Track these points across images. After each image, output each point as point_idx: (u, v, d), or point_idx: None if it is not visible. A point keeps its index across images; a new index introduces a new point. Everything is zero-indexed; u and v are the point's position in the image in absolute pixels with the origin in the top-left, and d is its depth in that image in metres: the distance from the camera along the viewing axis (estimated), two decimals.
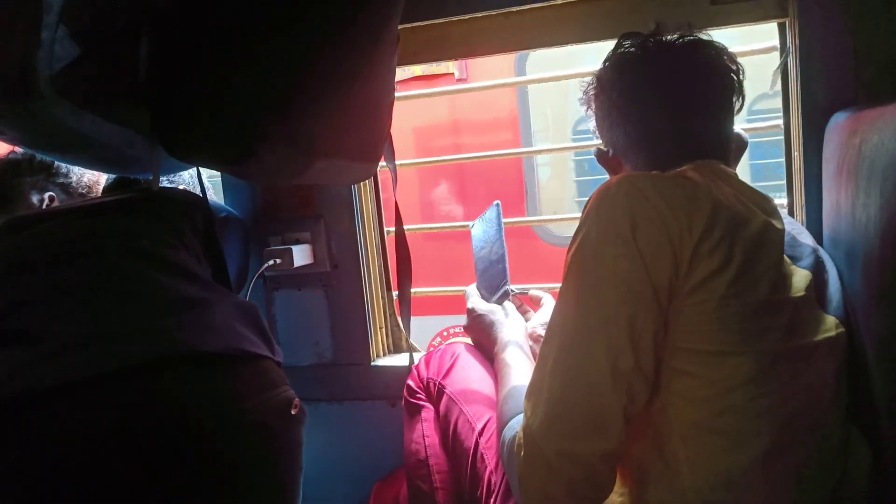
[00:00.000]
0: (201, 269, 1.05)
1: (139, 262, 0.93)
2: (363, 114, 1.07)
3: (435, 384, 1.18)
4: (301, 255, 1.44)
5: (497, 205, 1.34)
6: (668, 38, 0.93)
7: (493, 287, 1.27)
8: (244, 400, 0.88)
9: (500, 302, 1.26)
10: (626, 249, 0.76)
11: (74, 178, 1.35)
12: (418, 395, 1.21)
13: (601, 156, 1.00)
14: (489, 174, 2.93)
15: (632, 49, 0.94)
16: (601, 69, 0.99)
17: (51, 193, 1.35)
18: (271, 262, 1.39)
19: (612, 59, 0.97)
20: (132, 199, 1.08)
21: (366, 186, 1.49)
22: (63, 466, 0.74)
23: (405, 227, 1.37)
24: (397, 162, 1.36)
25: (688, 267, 0.75)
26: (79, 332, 0.82)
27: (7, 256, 0.95)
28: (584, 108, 1.05)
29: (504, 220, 1.33)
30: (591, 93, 1.01)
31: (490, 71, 2.73)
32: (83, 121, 0.96)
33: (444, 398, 1.14)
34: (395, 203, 1.36)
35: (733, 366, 0.74)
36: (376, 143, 1.15)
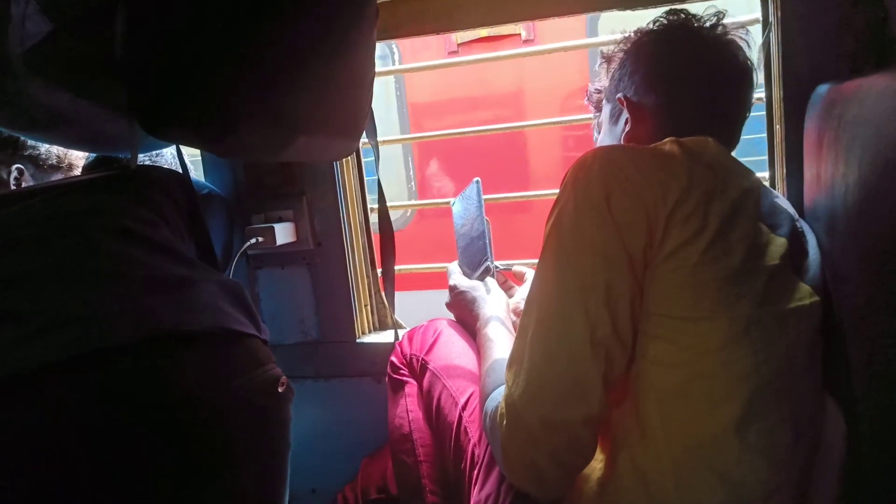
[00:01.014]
0: (185, 246, 1.05)
1: (122, 241, 0.93)
2: (344, 89, 1.06)
3: (418, 360, 1.19)
4: (284, 234, 1.43)
5: (477, 182, 1.34)
6: (715, 29, 0.97)
7: (475, 263, 1.28)
8: (231, 378, 0.89)
9: (481, 278, 1.26)
10: (602, 219, 0.77)
11: (43, 150, 1.33)
12: (402, 371, 1.21)
13: (628, 103, 0.99)
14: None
15: (684, 28, 0.98)
16: (646, 34, 1.01)
17: (18, 166, 1.34)
18: (254, 241, 1.38)
19: (662, 30, 1.00)
20: (113, 176, 1.07)
21: (349, 163, 1.48)
22: (50, 448, 0.74)
23: (388, 204, 1.38)
24: (380, 139, 1.36)
25: (662, 235, 0.76)
26: (63, 312, 0.81)
27: None
28: (605, 63, 1.10)
29: (486, 197, 1.33)
30: (629, 51, 1.03)
31: (563, 31, 2.65)
32: (58, 99, 0.95)
33: (428, 374, 1.15)
34: (379, 180, 1.36)
35: (706, 331, 0.76)
36: (357, 118, 1.14)
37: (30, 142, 1.33)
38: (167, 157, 1.34)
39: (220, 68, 0.90)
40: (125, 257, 0.91)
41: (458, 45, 2.83)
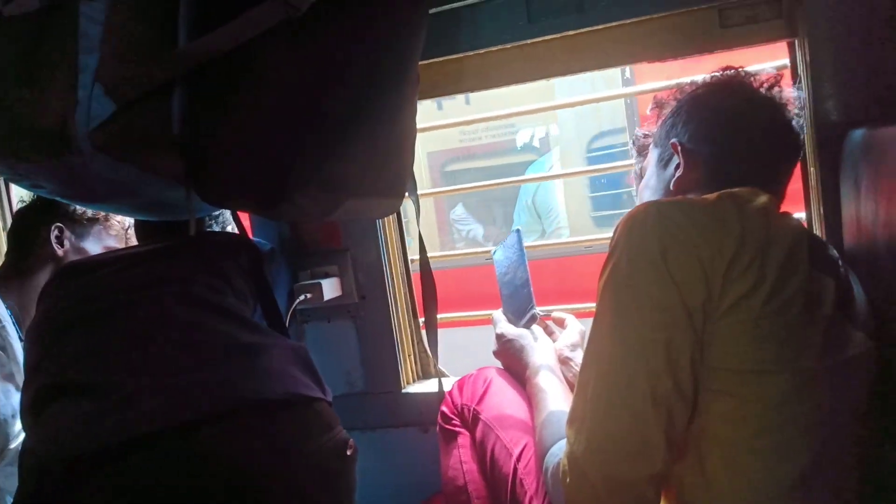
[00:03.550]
0: (250, 311, 1.06)
1: (194, 310, 0.95)
2: (391, 153, 1.08)
3: (469, 410, 1.18)
4: (330, 289, 1.45)
5: (517, 231, 1.35)
6: (772, 89, 1.01)
7: (520, 311, 1.28)
8: (305, 444, 0.89)
9: (527, 326, 1.26)
10: (659, 276, 0.77)
11: (77, 205, 1.36)
12: (454, 422, 1.21)
13: (682, 148, 1.00)
14: None
15: (743, 84, 1.02)
16: (704, 85, 1.05)
17: (58, 224, 1.36)
18: (302, 298, 1.40)
19: (721, 84, 1.04)
20: (178, 244, 1.09)
21: (390, 218, 1.51)
22: None
23: (429, 255, 1.38)
24: (420, 192, 1.37)
25: (721, 289, 0.76)
26: (143, 384, 0.82)
27: (67, 305, 0.96)
28: (656, 109, 1.12)
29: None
30: (684, 100, 1.05)
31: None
32: (120, 172, 0.97)
33: (480, 424, 1.14)
34: (420, 232, 1.37)
35: (770, 385, 0.75)
36: (402, 179, 1.16)
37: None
38: (226, 214, 1.37)
39: (276, 139, 0.92)
40: (198, 326, 0.92)
41: None
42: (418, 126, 1.21)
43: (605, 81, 3.35)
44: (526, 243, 1.36)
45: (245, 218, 1.59)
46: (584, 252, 3.14)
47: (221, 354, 0.90)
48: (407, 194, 1.29)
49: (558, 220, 4.18)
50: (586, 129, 3.97)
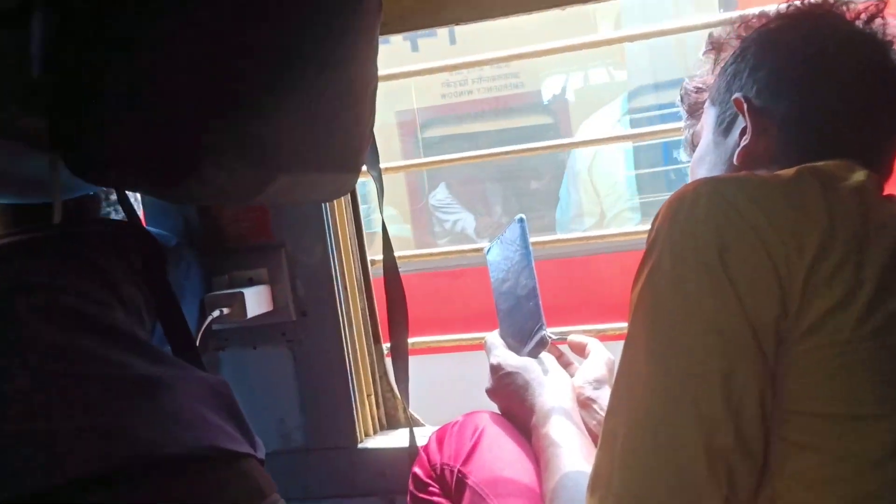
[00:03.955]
0: (146, 331, 1.05)
1: (65, 328, 0.93)
2: (339, 109, 1.08)
3: (452, 472, 1.18)
4: (256, 301, 1.45)
5: (520, 220, 1.35)
6: (872, 22, 0.99)
7: (524, 333, 1.28)
8: None
9: (534, 354, 1.26)
10: (714, 281, 0.77)
11: None
12: (430, 489, 1.21)
13: (749, 106, 0.99)
14: None
15: (832, 16, 1.00)
16: (777, 19, 1.04)
17: None
18: (216, 314, 1.39)
19: (801, 16, 1.02)
20: (41, 238, 1.08)
21: (341, 204, 1.51)
22: None
23: (396, 254, 1.38)
24: (383, 166, 1.37)
25: (800, 301, 0.76)
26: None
27: None
28: (712, 52, 1.12)
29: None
30: (751, 39, 1.05)
31: None
32: None
33: (467, 492, 1.14)
34: (383, 223, 1.37)
35: (869, 435, 0.75)
36: (357, 145, 1.16)
37: None
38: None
39: (176, 88, 0.91)
40: (71, 352, 0.91)
41: None
42: (382, 73, 1.21)
43: (696, 4, 3.35)
44: (545, 236, 1.36)
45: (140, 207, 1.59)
46: (620, 249, 3.17)
47: (104, 392, 0.89)
48: (365, 168, 1.29)
49: (626, 199, 4.23)
50: (667, 71, 4.02)
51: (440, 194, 4.99)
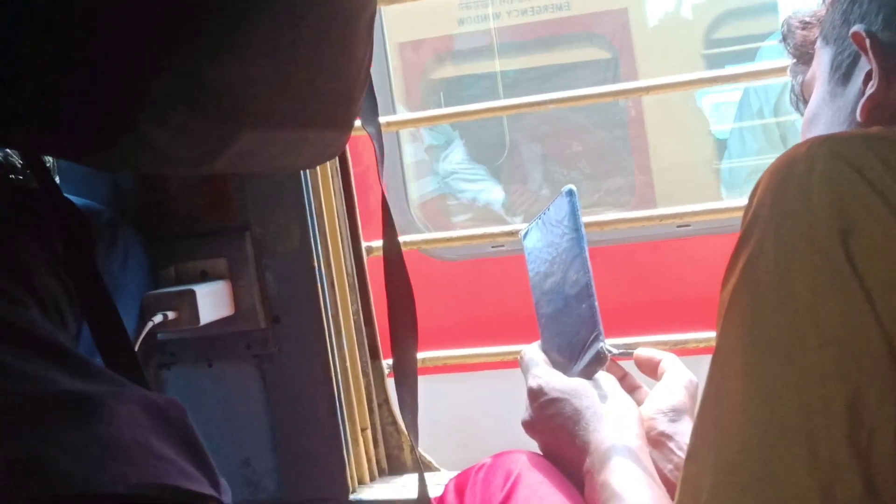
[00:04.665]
0: (70, 335, 1.06)
1: None
2: (324, 42, 1.08)
3: None
4: (212, 302, 1.45)
5: (570, 193, 1.34)
6: None
7: (575, 346, 1.29)
8: None
9: (589, 373, 1.26)
10: (835, 276, 0.76)
11: None
12: None
13: (873, 43, 0.99)
14: None
15: None
16: None
17: None
18: (159, 319, 1.40)
19: None
20: None
21: (326, 172, 1.51)
22: None
23: (401, 238, 1.38)
24: (383, 119, 1.38)
25: None
26: None
27: None
28: None
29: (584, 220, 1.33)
30: None
31: None
32: None
33: None
34: (383, 195, 1.37)
35: None
36: (348, 92, 1.16)
37: None
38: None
39: (103, 17, 0.92)
40: None
41: None
42: None
43: None
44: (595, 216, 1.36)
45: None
46: (703, 231, 3.17)
47: (15, 413, 0.90)
48: (359, 123, 1.29)
49: None
50: None
51: (456, 156, 4.98)
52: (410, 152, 4.52)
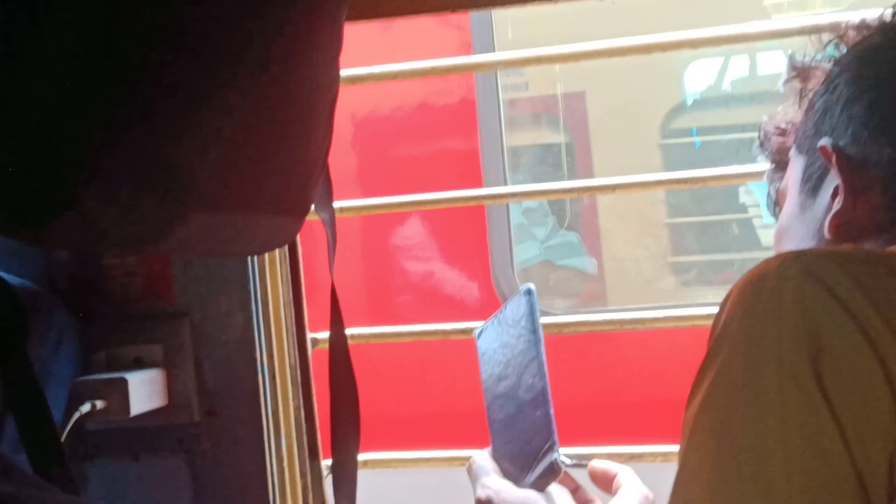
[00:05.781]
0: None
1: None
2: (284, 124, 1.07)
3: None
4: (144, 392, 1.42)
5: (529, 292, 1.37)
6: None
7: (527, 455, 1.28)
8: None
9: (541, 485, 1.26)
10: (804, 402, 0.77)
11: None
12: None
13: (838, 158, 1.00)
14: None
15: None
16: (879, 33, 1.06)
17: None
18: (86, 408, 1.37)
19: None
20: None
21: (274, 258, 1.51)
22: None
23: (348, 330, 1.37)
24: (337, 204, 1.36)
25: None
26: None
27: None
28: (797, 80, 1.15)
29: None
30: (842, 64, 1.07)
31: None
32: None
33: None
34: (332, 285, 1.37)
35: None
36: (305, 176, 1.15)
37: None
38: None
39: (45, 83, 0.90)
40: None
41: None
42: (348, 73, 1.21)
43: None
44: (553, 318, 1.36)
45: None
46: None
47: None
48: (313, 208, 1.28)
49: None
50: None
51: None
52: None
